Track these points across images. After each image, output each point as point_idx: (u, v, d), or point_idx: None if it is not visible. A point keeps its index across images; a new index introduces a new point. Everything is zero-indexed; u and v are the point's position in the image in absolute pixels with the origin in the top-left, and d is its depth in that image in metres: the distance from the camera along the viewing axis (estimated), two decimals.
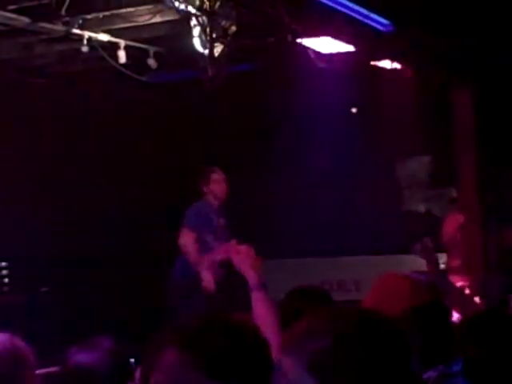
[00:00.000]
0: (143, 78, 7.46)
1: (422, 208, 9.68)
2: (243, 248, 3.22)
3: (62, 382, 2.80)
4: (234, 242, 3.44)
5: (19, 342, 2.26)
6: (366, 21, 6.44)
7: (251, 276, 3.12)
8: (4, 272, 8.47)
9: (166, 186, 9.43)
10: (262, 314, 2.99)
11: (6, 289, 8.48)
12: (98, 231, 8.90)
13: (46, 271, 8.49)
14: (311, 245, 9.34)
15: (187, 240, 7.37)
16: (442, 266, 8.71)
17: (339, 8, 6.19)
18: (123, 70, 6.93)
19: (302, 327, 1.56)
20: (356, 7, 6.29)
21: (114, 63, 6.82)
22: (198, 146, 9.50)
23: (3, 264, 8.46)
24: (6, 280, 8.48)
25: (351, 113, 9.08)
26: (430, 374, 2.85)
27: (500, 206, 8.59)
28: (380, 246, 9.47)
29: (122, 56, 6.84)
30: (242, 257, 3.18)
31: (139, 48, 7.10)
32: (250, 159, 9.28)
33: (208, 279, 7.25)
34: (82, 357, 2.75)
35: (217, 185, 7.56)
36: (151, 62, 7.17)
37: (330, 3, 6.09)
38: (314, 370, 1.47)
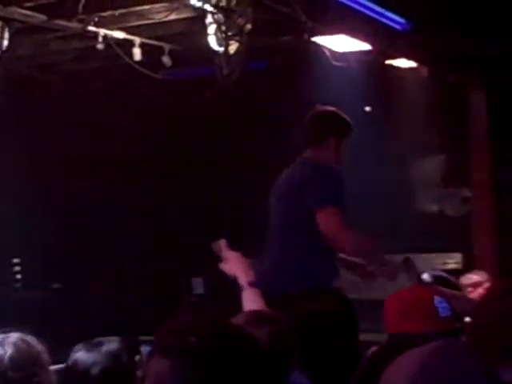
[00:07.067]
0: (158, 76, 7.47)
1: (434, 208, 9.64)
2: (232, 254, 3.39)
3: (61, 379, 2.83)
4: (223, 242, 3.52)
5: (33, 341, 2.26)
6: (381, 19, 6.43)
7: (241, 277, 3.30)
8: (17, 268, 8.50)
9: (179, 183, 9.45)
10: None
11: (18, 285, 8.50)
12: (113, 229, 8.93)
13: (58, 268, 8.52)
14: None
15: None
16: (454, 266, 8.72)
17: (355, 6, 6.17)
18: (138, 67, 6.94)
19: None
20: (372, 5, 6.28)
21: (129, 60, 6.83)
22: (211, 144, 9.50)
23: (16, 260, 8.48)
24: (19, 276, 8.51)
25: (366, 111, 9.05)
26: None
27: None
28: (392, 246, 9.43)
29: (137, 53, 6.85)
30: (232, 263, 3.36)
31: (154, 45, 7.11)
32: (262, 157, 9.26)
33: None
34: (81, 355, 2.78)
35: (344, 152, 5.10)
36: (166, 59, 7.17)
37: (346, 1, 6.08)
38: None
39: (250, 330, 2.21)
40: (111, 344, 2.80)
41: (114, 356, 2.80)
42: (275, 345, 2.52)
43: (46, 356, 2.29)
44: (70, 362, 2.78)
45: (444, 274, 5.11)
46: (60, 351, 2.98)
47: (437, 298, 2.59)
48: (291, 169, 5.08)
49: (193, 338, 1.54)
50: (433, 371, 1.41)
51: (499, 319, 1.80)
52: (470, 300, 4.62)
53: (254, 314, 2.77)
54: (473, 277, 5.96)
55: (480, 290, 5.67)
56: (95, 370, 2.73)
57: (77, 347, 2.81)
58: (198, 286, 8.08)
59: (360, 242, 4.77)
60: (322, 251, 4.70)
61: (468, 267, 7.68)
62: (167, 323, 1.62)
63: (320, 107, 5.24)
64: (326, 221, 4.59)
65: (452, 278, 5.14)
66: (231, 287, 3.40)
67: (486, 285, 5.73)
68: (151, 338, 1.68)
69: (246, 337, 1.67)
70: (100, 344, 2.80)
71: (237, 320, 2.56)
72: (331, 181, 4.73)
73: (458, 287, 5.03)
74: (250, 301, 3.20)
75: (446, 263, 8.64)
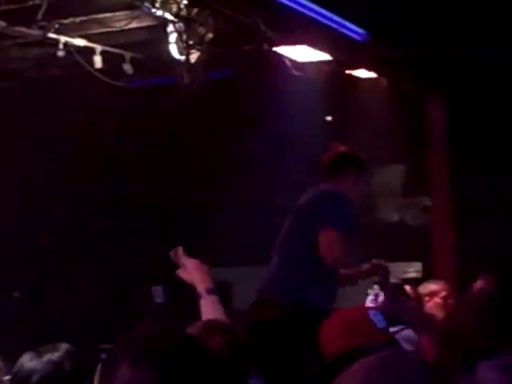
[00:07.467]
0: (119, 84, 7.45)
1: (395, 217, 9.72)
2: (191, 262, 3.34)
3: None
4: (180, 250, 3.45)
5: None
6: (341, 30, 6.49)
7: (199, 284, 3.25)
8: None
9: (142, 189, 9.44)
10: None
11: None
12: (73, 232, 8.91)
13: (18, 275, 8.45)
14: None
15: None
16: (414, 275, 8.78)
17: (315, 17, 6.23)
18: (99, 74, 6.92)
19: None
20: (332, 16, 6.34)
21: (89, 68, 6.81)
22: (174, 151, 9.51)
23: None
24: None
25: (326, 121, 9.11)
26: None
27: (473, 215, 8.66)
28: None
29: (97, 61, 6.83)
30: (190, 270, 3.31)
31: (115, 53, 7.10)
32: (224, 166, 9.28)
33: None
34: (25, 362, 2.79)
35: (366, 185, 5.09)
36: (127, 67, 7.16)
37: (306, 12, 6.13)
38: None
39: (203, 340, 2.23)
40: (54, 352, 2.80)
41: (54, 364, 2.80)
42: (229, 354, 2.54)
43: (0, 363, 2.28)
44: (15, 369, 2.79)
45: (399, 282, 5.17)
46: (17, 360, 2.97)
47: (372, 311, 2.65)
48: (306, 194, 4.96)
49: (153, 349, 1.56)
50: (378, 382, 1.43)
51: (464, 331, 1.83)
52: (420, 310, 4.69)
53: (208, 323, 2.77)
54: (430, 286, 5.96)
55: (437, 299, 5.69)
56: (35, 378, 2.74)
57: (25, 354, 2.82)
58: (158, 294, 8.06)
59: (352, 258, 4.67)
60: (321, 274, 4.58)
61: (428, 276, 7.74)
62: (127, 334, 1.64)
63: (335, 147, 5.09)
64: (326, 242, 4.47)
65: (406, 287, 5.20)
66: (191, 295, 3.41)
67: (443, 294, 5.75)
68: (111, 346, 1.69)
69: (203, 348, 1.69)
70: (44, 352, 2.80)
71: (190, 331, 2.56)
72: (342, 206, 4.60)
73: (409, 296, 5.10)
74: (208, 308, 3.19)
75: (405, 272, 8.70)
